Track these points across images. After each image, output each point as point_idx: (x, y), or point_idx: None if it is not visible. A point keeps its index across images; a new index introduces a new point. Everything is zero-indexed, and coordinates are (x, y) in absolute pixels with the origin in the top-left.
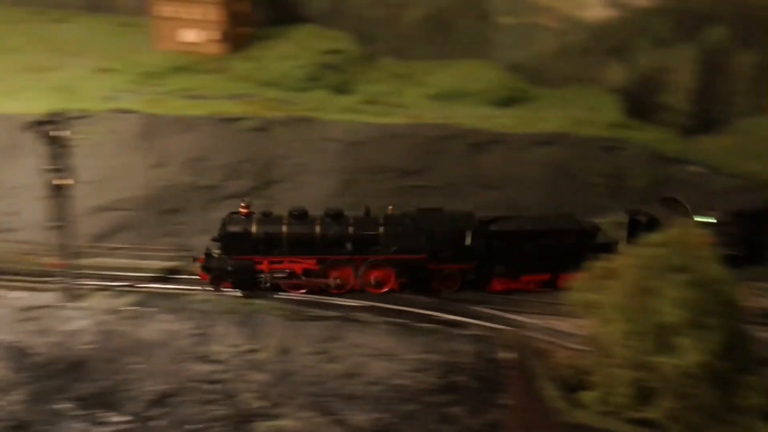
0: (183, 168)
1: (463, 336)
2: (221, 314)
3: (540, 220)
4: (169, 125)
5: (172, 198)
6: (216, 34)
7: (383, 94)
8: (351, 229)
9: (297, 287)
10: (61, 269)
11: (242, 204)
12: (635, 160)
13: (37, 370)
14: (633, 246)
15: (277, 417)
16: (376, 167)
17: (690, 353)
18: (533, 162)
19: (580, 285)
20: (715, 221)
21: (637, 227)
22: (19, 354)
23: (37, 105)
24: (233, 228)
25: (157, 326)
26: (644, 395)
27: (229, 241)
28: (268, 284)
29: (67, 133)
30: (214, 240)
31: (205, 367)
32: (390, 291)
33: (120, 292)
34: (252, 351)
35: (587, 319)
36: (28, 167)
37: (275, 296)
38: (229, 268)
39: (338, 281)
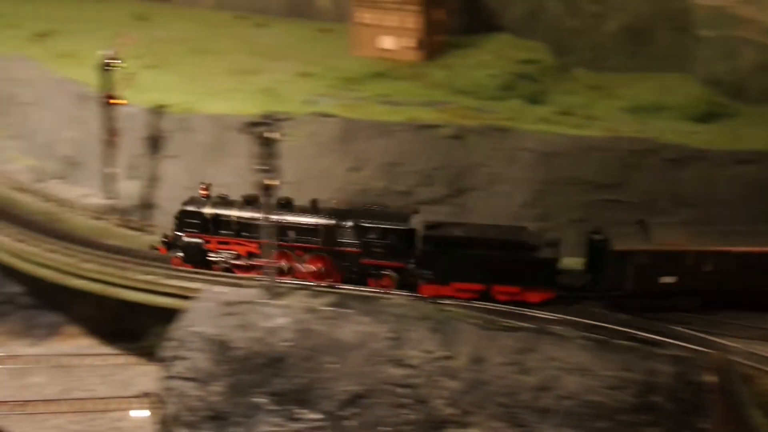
0: (378, 172)
1: (662, 356)
2: (416, 319)
3: (481, 229)
4: (366, 130)
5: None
6: (412, 42)
7: (578, 106)
8: (294, 218)
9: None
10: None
11: (202, 185)
12: None
13: (237, 364)
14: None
15: (467, 425)
16: (570, 179)
17: None
18: (734, 180)
19: None
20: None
21: (593, 247)
22: (220, 347)
23: (242, 106)
24: (188, 207)
25: (353, 327)
26: None
27: (183, 218)
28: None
29: (277, 135)
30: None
31: (398, 371)
32: (332, 283)
33: (318, 292)
34: (445, 358)
35: None
36: (233, 166)
37: (468, 304)
38: (180, 244)
39: (284, 267)
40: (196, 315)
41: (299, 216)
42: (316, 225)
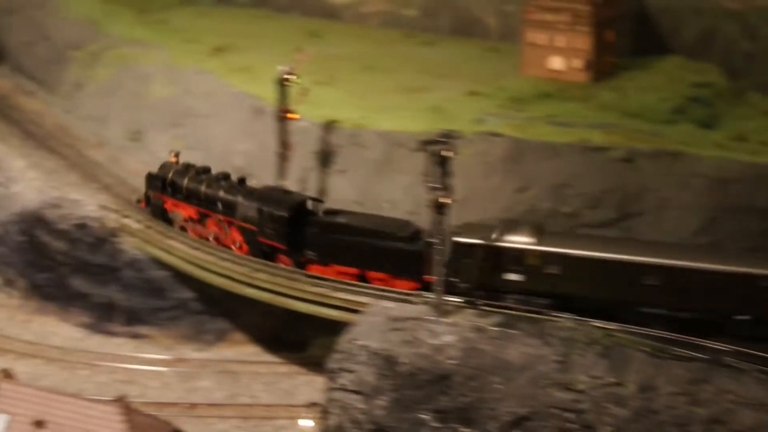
0: (545, 193)
1: None
2: (584, 344)
3: (366, 219)
4: (534, 150)
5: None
6: (582, 63)
7: (753, 131)
8: (221, 192)
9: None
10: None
11: (173, 153)
12: None
13: (402, 379)
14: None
15: None
16: (744, 207)
17: None
18: None
19: None
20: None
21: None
22: (386, 361)
23: (411, 124)
24: (157, 171)
25: (520, 349)
26: None
27: (152, 180)
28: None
29: (452, 153)
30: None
31: (565, 395)
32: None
33: (485, 312)
34: (613, 384)
35: None
36: (401, 183)
37: (633, 330)
38: (148, 200)
39: (214, 234)
40: (362, 329)
41: (223, 191)
42: (234, 202)
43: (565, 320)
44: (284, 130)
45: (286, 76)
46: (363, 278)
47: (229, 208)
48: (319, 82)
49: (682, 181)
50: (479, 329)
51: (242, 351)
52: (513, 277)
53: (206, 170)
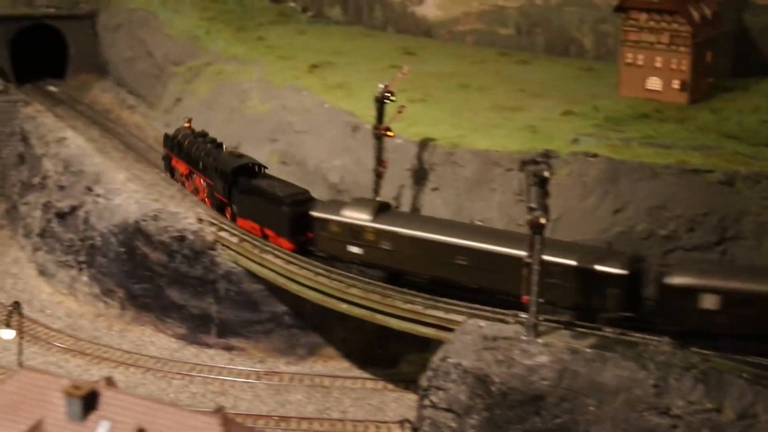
0: (641, 215)
1: None
2: (680, 368)
3: (275, 183)
4: (630, 172)
5: (628, 245)
6: (680, 83)
7: None
8: (201, 153)
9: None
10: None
11: (186, 120)
12: None
13: (495, 399)
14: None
15: None
16: None
17: None
18: None
19: None
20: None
21: None
22: (478, 380)
23: (506, 143)
24: (170, 132)
25: (615, 372)
26: None
27: (166, 140)
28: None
29: (549, 174)
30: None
31: (661, 420)
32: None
33: (580, 333)
34: (711, 410)
35: None
36: (496, 201)
37: (737, 356)
38: (163, 156)
39: (194, 188)
40: (455, 347)
41: (203, 153)
42: (206, 161)
43: (662, 344)
44: (380, 147)
45: (383, 94)
46: (263, 234)
47: (204, 167)
48: (414, 100)
49: None
50: (574, 351)
51: (333, 366)
52: (354, 249)
53: (203, 135)
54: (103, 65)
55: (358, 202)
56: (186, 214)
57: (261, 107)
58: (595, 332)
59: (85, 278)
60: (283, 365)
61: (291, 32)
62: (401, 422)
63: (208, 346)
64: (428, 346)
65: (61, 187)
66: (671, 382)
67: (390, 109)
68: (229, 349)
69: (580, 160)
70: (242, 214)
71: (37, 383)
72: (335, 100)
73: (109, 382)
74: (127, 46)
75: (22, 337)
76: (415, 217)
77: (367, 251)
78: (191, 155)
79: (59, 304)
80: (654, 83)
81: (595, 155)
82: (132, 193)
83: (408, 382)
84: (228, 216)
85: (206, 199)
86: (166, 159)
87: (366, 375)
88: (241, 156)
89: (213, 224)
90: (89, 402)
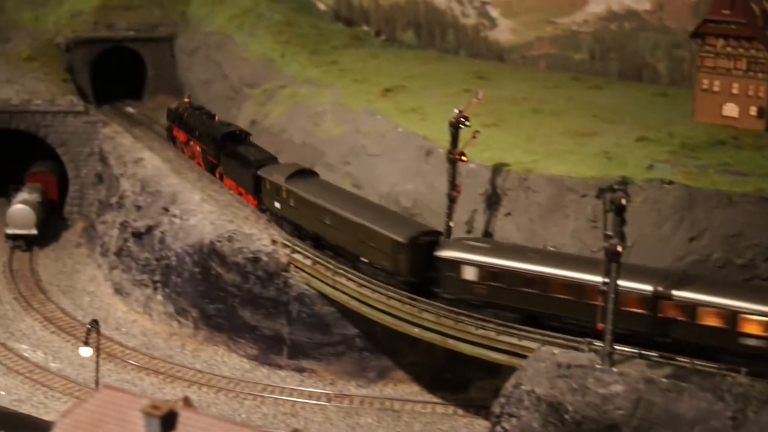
0: (717, 243)
1: None
2: (758, 401)
3: (249, 150)
4: (706, 199)
5: (704, 273)
6: (756, 110)
7: None
8: (197, 123)
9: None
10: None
11: (186, 96)
12: None
13: (568, 427)
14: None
15: None
16: None
17: None
18: None
19: None
20: None
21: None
22: (551, 408)
23: (580, 169)
24: (172, 106)
25: (692, 403)
26: None
27: (168, 112)
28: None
29: (626, 201)
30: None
31: None
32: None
33: (656, 363)
34: None
35: None
36: (570, 228)
37: None
38: (167, 128)
39: (191, 153)
40: (528, 374)
41: (199, 123)
42: (201, 129)
43: (739, 376)
44: (455, 172)
45: (459, 118)
46: (239, 192)
47: (199, 135)
48: (487, 125)
49: None
50: (649, 380)
51: (403, 389)
52: (277, 204)
53: (200, 108)
54: (180, 87)
55: (282, 167)
56: (260, 235)
57: (334, 130)
58: (671, 362)
59: (159, 297)
60: (353, 388)
61: (364, 56)
62: None
63: (280, 367)
64: (498, 371)
65: (138, 207)
66: (749, 414)
67: (464, 133)
68: (300, 370)
69: (655, 186)
70: (227, 175)
71: (117, 402)
72: (409, 124)
73: (187, 402)
74: (204, 68)
75: (98, 355)
76: (317, 183)
77: (283, 207)
78: (190, 125)
79: (134, 322)
80: (730, 110)
81: (670, 182)
82: (207, 214)
83: (478, 408)
84: (218, 176)
85: (201, 162)
86: (169, 130)
87: (436, 399)
88: (230, 125)
89: (287, 246)
90: (168, 422)
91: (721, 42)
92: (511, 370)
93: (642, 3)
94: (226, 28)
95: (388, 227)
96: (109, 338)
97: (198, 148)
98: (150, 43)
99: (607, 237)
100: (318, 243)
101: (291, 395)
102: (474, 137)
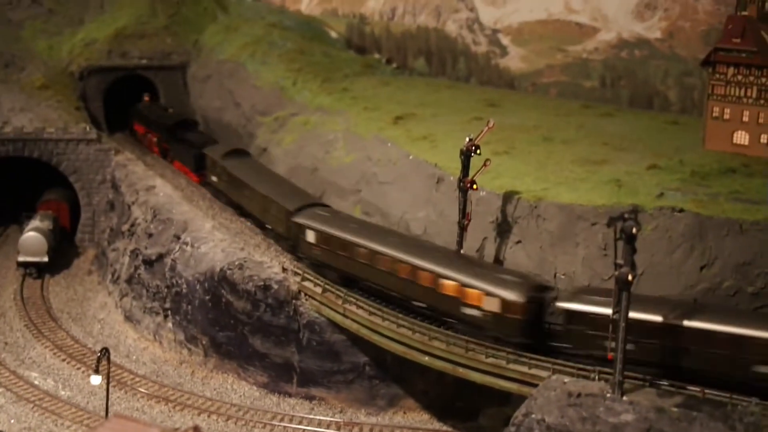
0: (728, 272)
1: None
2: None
3: (194, 134)
4: (717, 227)
5: (715, 301)
6: (766, 137)
7: None
8: (153, 116)
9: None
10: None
11: (146, 95)
12: None
13: None
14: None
15: None
16: None
17: None
18: None
19: None
20: None
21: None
22: None
23: (591, 197)
24: (136, 106)
25: None
26: None
27: (129, 112)
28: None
29: (637, 230)
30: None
31: None
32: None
33: (666, 392)
34: None
35: None
36: (580, 255)
37: None
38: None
39: (147, 141)
40: (538, 402)
41: (154, 116)
42: (155, 121)
43: (750, 405)
44: (466, 200)
45: (471, 147)
46: (185, 171)
47: (154, 126)
48: (498, 152)
49: None
50: (660, 409)
51: (413, 417)
52: (214, 178)
53: (157, 104)
54: (192, 114)
55: (221, 147)
56: (271, 263)
57: (346, 158)
58: (682, 390)
59: (170, 325)
60: (363, 416)
61: (376, 83)
62: None
63: (289, 395)
64: (508, 400)
65: (150, 235)
66: None
67: (475, 161)
68: (309, 398)
69: (666, 215)
70: (176, 158)
71: (127, 430)
72: (420, 152)
73: (197, 430)
74: (216, 96)
75: (109, 383)
76: (246, 162)
77: (218, 179)
78: (147, 118)
79: (144, 350)
80: (741, 137)
81: (681, 210)
82: (218, 242)
83: None
84: (169, 160)
85: (155, 148)
86: (130, 126)
87: (446, 428)
88: (180, 115)
89: (297, 274)
90: None
91: (731, 70)
92: (521, 398)
93: (653, 31)
94: (238, 56)
95: (282, 198)
96: (119, 366)
97: (154, 138)
98: (162, 71)
99: (617, 265)
100: (242, 211)
101: (301, 423)
102: (485, 165)
